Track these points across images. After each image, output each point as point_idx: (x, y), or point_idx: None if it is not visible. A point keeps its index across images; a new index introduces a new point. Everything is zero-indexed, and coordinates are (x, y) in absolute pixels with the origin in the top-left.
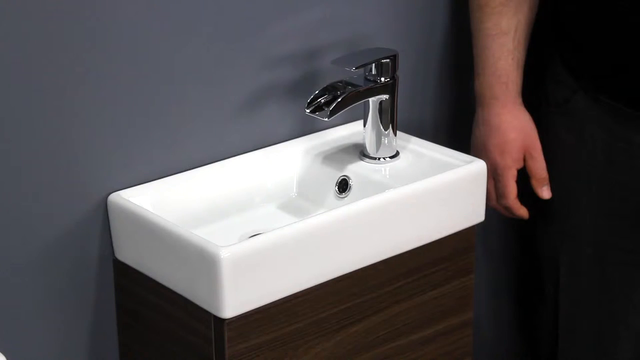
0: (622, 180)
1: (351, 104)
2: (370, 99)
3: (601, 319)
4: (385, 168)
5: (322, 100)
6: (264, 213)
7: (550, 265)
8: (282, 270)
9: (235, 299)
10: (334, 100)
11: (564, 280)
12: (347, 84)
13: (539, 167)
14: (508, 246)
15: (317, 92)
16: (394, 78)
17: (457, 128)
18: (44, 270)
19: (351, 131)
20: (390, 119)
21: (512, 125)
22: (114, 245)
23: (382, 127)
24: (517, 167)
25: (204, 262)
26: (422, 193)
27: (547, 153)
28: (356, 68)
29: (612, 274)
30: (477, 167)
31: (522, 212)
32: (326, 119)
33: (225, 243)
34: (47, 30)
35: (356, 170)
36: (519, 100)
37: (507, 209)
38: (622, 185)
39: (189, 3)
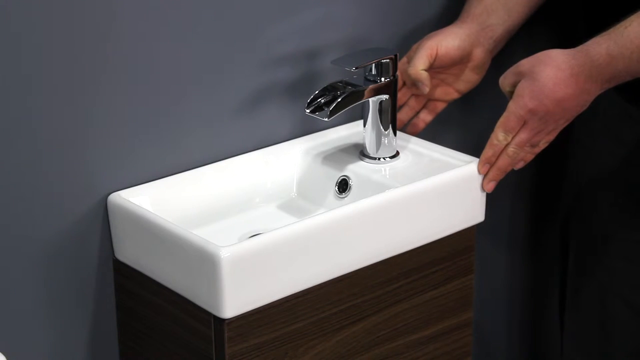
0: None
1: (351, 104)
2: (370, 99)
3: (603, 296)
4: (385, 168)
5: (322, 100)
6: (264, 213)
7: (562, 243)
8: (282, 270)
9: (235, 299)
10: (334, 100)
11: (573, 254)
12: (347, 84)
13: (411, 64)
14: (508, 246)
15: (317, 92)
16: (394, 78)
17: (457, 128)
18: (44, 270)
19: (351, 131)
20: (390, 119)
21: (442, 31)
22: (114, 245)
23: (382, 127)
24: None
25: (204, 262)
26: (422, 193)
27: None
28: (356, 68)
29: (615, 249)
30: (476, 167)
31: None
32: (326, 119)
33: (225, 243)
34: (47, 31)
35: (356, 170)
36: (467, 19)
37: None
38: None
39: (189, 3)
